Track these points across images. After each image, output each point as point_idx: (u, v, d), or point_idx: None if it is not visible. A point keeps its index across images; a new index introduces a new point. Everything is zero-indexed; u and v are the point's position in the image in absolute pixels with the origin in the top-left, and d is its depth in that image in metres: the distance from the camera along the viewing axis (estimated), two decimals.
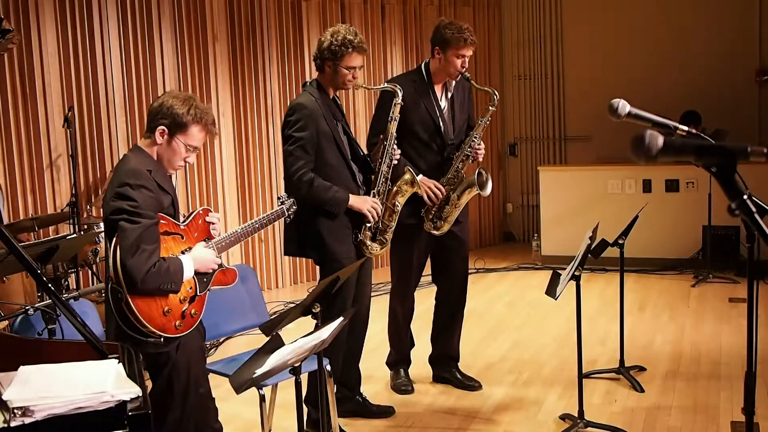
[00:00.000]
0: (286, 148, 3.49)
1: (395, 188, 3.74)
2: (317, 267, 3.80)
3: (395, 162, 3.70)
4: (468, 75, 3.94)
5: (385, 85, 3.70)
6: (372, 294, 6.36)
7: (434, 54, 3.92)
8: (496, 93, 4.01)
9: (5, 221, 4.87)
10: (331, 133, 3.50)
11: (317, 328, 2.38)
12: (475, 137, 3.98)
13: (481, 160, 4.08)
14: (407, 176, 3.73)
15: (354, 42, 3.46)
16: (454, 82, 4.02)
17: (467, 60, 3.88)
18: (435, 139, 3.97)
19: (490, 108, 3.97)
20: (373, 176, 3.67)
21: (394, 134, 3.67)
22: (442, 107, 4.00)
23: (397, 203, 3.73)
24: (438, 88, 4.00)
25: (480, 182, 3.94)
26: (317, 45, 3.55)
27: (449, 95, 4.03)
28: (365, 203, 3.55)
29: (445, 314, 4.23)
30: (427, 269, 4.23)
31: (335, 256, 3.51)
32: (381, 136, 3.70)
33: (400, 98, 3.68)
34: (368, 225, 3.62)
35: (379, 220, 3.67)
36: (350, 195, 3.52)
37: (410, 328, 4.26)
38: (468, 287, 4.27)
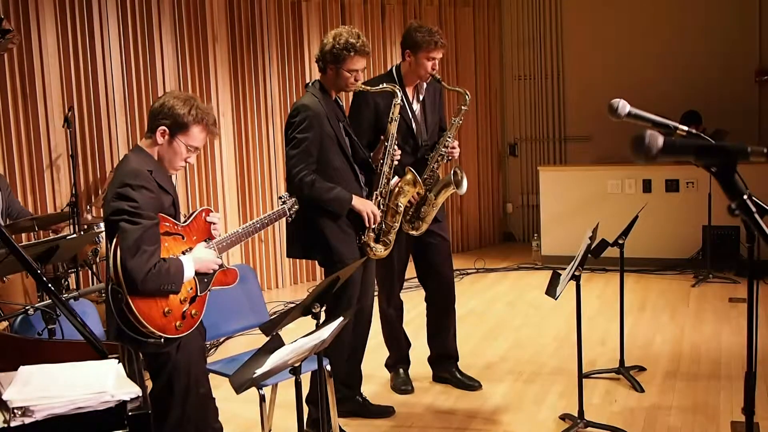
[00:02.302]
0: (288, 150, 3.49)
1: (397, 189, 3.75)
2: (318, 267, 3.80)
3: (396, 162, 3.71)
4: (439, 77, 3.97)
5: (385, 85, 3.70)
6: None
7: (405, 57, 3.94)
8: (468, 93, 4.04)
9: (26, 211, 4.90)
10: (335, 134, 3.50)
11: (317, 328, 2.38)
12: (449, 137, 4.00)
13: (456, 157, 4.10)
14: (409, 176, 3.74)
15: (356, 45, 3.46)
16: (425, 84, 4.03)
17: (437, 62, 3.91)
18: (408, 141, 3.98)
19: (463, 108, 4.01)
20: (374, 177, 3.68)
21: (395, 135, 3.68)
22: (415, 109, 4.02)
23: (399, 204, 3.73)
24: (410, 91, 4.01)
25: (456, 181, 3.96)
26: (320, 47, 3.55)
27: (420, 97, 4.05)
28: (366, 206, 3.55)
29: (437, 314, 4.23)
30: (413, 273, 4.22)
31: (340, 258, 3.51)
32: (381, 137, 3.71)
33: (400, 98, 3.68)
34: (369, 229, 3.62)
35: (382, 221, 3.68)
36: (353, 196, 3.52)
37: (404, 328, 4.27)
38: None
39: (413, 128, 3.98)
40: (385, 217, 3.70)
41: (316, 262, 3.77)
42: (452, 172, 3.98)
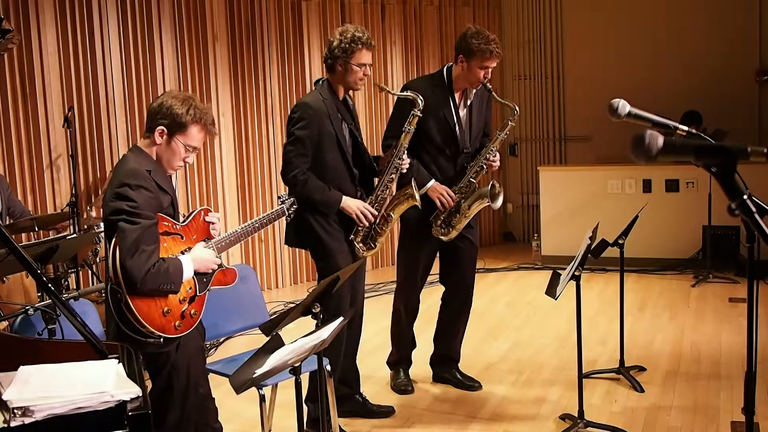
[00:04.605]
0: (286, 145, 3.54)
1: (395, 198, 3.74)
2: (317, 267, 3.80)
3: (403, 171, 3.69)
4: (490, 86, 3.91)
5: (409, 93, 3.69)
6: (372, 294, 6.38)
7: (458, 61, 3.87)
8: (517, 108, 3.99)
9: (26, 210, 4.89)
10: (335, 134, 3.51)
11: (317, 328, 2.38)
12: (492, 149, 3.96)
13: (495, 169, 4.07)
14: (408, 190, 3.71)
15: (363, 39, 3.49)
16: (474, 90, 3.99)
17: (490, 71, 3.86)
18: (450, 145, 3.96)
19: (510, 123, 3.94)
20: (377, 180, 3.68)
21: (405, 146, 3.64)
22: (461, 115, 3.98)
23: (391, 214, 3.71)
24: (457, 95, 3.97)
25: (492, 194, 3.93)
26: (327, 46, 3.56)
27: (468, 102, 4.00)
28: (354, 208, 3.56)
29: (450, 315, 4.23)
30: (435, 268, 4.22)
31: (329, 251, 3.55)
32: (394, 143, 3.71)
33: (419, 110, 3.65)
34: (359, 228, 3.62)
35: (373, 225, 3.67)
36: (343, 197, 3.54)
37: (413, 329, 4.26)
38: (474, 289, 4.26)
39: (457, 133, 3.95)
40: (377, 222, 3.69)
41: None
42: (490, 185, 3.94)
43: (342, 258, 3.56)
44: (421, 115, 3.66)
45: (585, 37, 8.30)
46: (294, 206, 3.24)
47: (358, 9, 7.37)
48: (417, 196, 3.69)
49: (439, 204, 3.92)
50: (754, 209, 1.46)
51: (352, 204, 3.55)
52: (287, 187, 3.54)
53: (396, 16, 7.66)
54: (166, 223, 2.72)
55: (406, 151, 3.66)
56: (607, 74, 8.07)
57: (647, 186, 7.12)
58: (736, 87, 7.68)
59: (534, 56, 8.58)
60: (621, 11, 8.10)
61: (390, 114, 4.01)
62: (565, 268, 3.55)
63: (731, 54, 7.70)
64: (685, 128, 1.98)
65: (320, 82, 3.62)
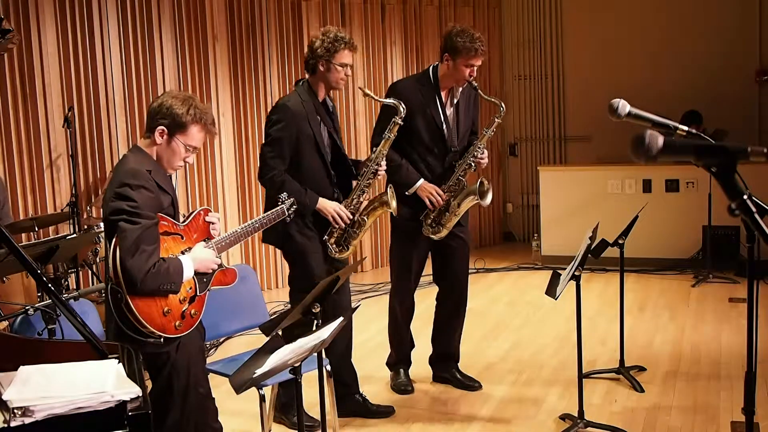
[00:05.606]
0: (263, 147, 3.56)
1: (371, 204, 3.74)
2: None
3: (380, 176, 3.71)
4: (476, 84, 3.93)
5: (392, 100, 3.71)
6: (372, 294, 6.38)
7: (443, 60, 3.89)
8: (503, 105, 4.00)
9: (9, 214, 4.88)
10: (313, 136, 3.52)
11: (316, 327, 2.38)
12: (479, 147, 3.97)
13: (483, 167, 4.08)
14: (384, 197, 3.71)
15: (345, 39, 3.52)
16: (461, 88, 4.00)
17: (476, 69, 3.87)
18: (438, 144, 3.97)
19: (496, 120, 3.97)
20: (355, 183, 3.69)
21: (384, 152, 3.68)
22: (448, 113, 3.99)
23: (365, 219, 3.72)
24: (444, 94, 3.98)
25: (481, 191, 3.94)
26: (308, 47, 3.57)
27: (455, 101, 4.01)
28: (329, 209, 3.57)
29: (446, 314, 4.23)
30: (429, 269, 4.22)
31: (302, 252, 3.59)
32: (374, 148, 3.73)
33: (401, 118, 3.68)
34: (333, 229, 3.63)
35: (348, 228, 3.67)
36: (319, 199, 3.55)
37: (410, 328, 4.26)
38: (468, 287, 4.27)
39: (444, 132, 3.95)
40: (351, 226, 3.69)
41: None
42: (478, 182, 3.95)
43: (315, 260, 3.59)
44: (401, 123, 3.69)
45: (585, 37, 8.30)
46: (294, 206, 3.24)
47: (358, 9, 7.37)
48: (392, 204, 3.71)
49: (428, 203, 3.92)
50: (754, 209, 1.46)
51: (328, 205, 3.58)
52: (263, 186, 3.55)
53: (396, 16, 7.66)
54: (167, 223, 2.72)
55: (384, 157, 3.69)
56: (607, 74, 8.07)
57: (647, 186, 7.11)
58: (736, 87, 7.68)
59: (534, 56, 8.58)
60: (621, 11, 8.10)
61: (378, 116, 4.01)
62: (565, 268, 3.55)
63: (731, 54, 7.70)
64: (685, 128, 1.98)
65: (300, 84, 3.63)
